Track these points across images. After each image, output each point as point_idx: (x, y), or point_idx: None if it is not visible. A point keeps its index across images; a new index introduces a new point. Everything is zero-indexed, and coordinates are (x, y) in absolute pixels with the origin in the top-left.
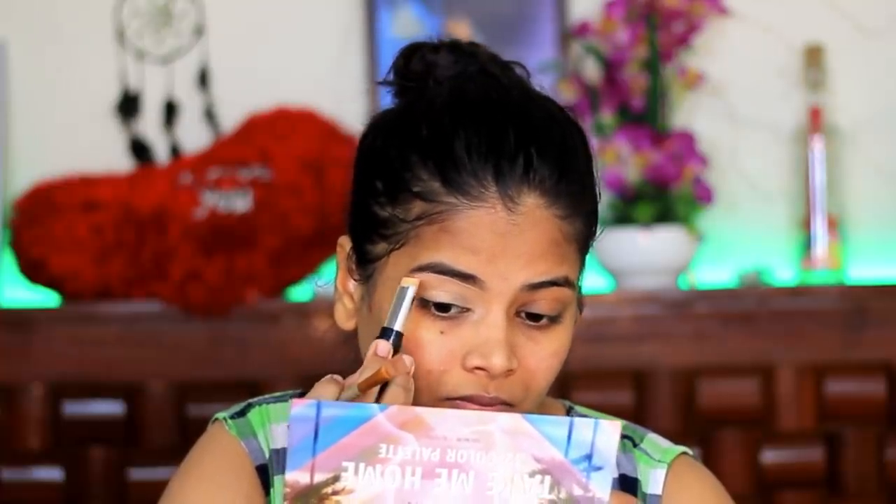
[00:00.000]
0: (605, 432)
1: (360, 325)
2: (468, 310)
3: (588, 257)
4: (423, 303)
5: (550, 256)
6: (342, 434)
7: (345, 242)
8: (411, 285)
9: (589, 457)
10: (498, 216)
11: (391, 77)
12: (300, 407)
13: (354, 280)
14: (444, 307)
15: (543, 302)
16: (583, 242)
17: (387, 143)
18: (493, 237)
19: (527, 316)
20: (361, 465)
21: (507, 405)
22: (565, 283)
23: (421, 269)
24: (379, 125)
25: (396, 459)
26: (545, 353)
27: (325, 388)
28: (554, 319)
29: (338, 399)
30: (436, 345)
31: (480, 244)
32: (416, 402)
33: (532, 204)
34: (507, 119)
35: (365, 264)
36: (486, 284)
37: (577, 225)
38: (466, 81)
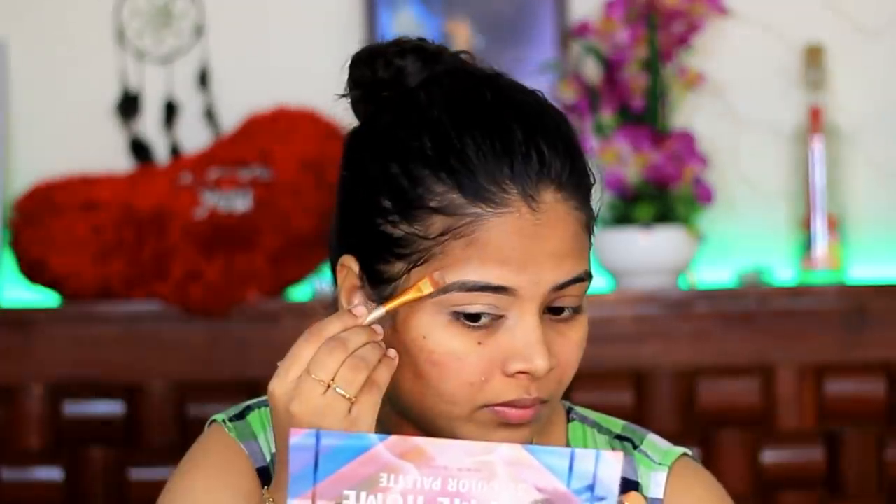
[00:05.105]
0: (607, 462)
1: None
2: (501, 316)
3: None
4: (454, 315)
5: (575, 252)
6: (342, 463)
7: (350, 263)
8: (430, 288)
9: (591, 487)
10: (524, 219)
11: (351, 87)
12: (299, 436)
13: (371, 301)
14: (475, 317)
15: (568, 297)
16: (591, 228)
17: (385, 159)
18: (521, 243)
19: (550, 311)
20: (363, 494)
21: (544, 402)
22: (588, 276)
23: (450, 286)
24: (367, 140)
25: (398, 488)
26: (573, 344)
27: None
28: (577, 310)
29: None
30: (475, 356)
31: (511, 253)
32: (450, 412)
33: (551, 200)
34: (511, 116)
35: (379, 284)
36: (518, 292)
37: (588, 212)
38: (454, 83)
